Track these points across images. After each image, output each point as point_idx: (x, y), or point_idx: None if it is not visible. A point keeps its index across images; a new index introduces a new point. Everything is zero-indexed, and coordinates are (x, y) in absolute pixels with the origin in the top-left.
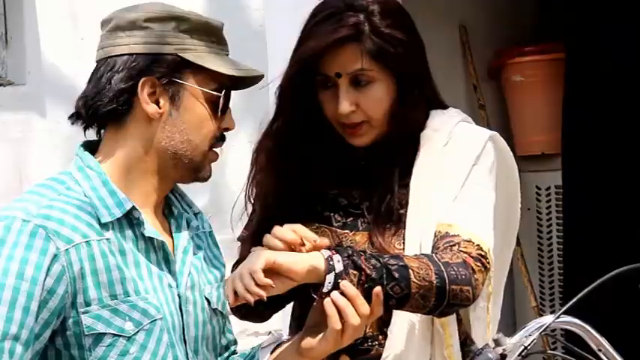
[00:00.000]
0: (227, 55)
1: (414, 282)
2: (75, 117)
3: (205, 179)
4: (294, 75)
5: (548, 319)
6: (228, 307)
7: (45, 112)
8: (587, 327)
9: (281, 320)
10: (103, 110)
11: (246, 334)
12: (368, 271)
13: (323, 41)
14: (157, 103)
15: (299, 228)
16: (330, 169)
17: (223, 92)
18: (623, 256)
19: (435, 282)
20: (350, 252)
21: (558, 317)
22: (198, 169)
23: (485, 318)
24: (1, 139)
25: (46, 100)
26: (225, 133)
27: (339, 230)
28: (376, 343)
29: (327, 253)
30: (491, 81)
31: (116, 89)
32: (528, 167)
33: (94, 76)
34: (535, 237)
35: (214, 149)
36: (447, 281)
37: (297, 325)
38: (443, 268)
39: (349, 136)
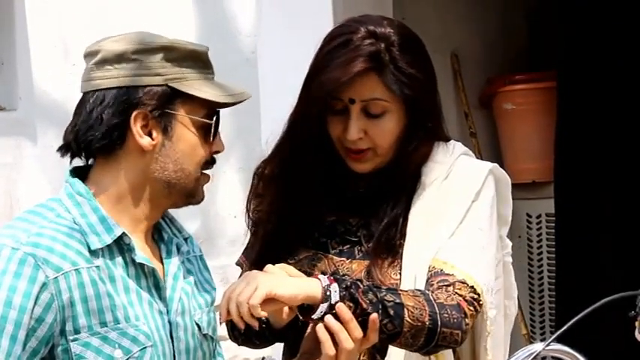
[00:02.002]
0: (213, 77)
1: (407, 321)
2: (64, 149)
3: (199, 202)
4: (312, 104)
5: (538, 346)
6: (225, 330)
7: (36, 137)
8: (578, 355)
9: (273, 345)
10: (96, 145)
11: None
12: (364, 305)
13: (346, 73)
14: (150, 134)
15: (290, 270)
16: (330, 195)
17: (214, 119)
18: (615, 284)
19: (427, 323)
20: (348, 283)
21: (548, 345)
22: (191, 195)
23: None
24: None
25: (37, 126)
26: (215, 157)
27: (335, 257)
28: None
29: (325, 281)
30: (482, 109)
31: (109, 124)
32: (519, 195)
33: (82, 109)
34: (525, 265)
35: (205, 172)
36: (439, 324)
37: (290, 350)
38: (437, 310)
39: (352, 161)
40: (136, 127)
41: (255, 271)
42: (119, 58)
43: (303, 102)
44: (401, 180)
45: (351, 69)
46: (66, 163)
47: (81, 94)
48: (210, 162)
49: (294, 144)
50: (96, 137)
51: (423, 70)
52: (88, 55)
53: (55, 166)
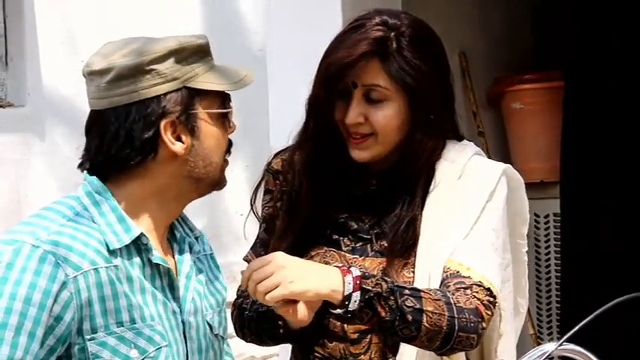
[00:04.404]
0: (213, 62)
1: (424, 326)
2: (90, 169)
3: (222, 187)
4: (321, 86)
5: (550, 346)
6: (233, 328)
7: (44, 134)
8: (590, 355)
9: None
10: (132, 163)
11: (242, 358)
12: (382, 314)
13: (350, 54)
14: (179, 139)
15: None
16: (342, 192)
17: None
18: (620, 285)
19: (444, 328)
20: (371, 294)
21: (561, 344)
22: (218, 183)
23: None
24: (0, 160)
25: (45, 122)
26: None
27: (347, 255)
28: None
29: (349, 287)
30: (490, 108)
31: (141, 139)
32: (527, 195)
33: (104, 127)
34: (533, 264)
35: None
36: (456, 329)
37: (300, 349)
38: (456, 315)
39: (353, 147)
40: (167, 136)
41: (283, 260)
42: (135, 72)
43: (314, 84)
44: (412, 177)
45: (354, 51)
46: (74, 160)
47: (91, 111)
48: (230, 145)
49: (307, 129)
50: (130, 155)
51: (431, 65)
52: (97, 74)
53: (63, 163)
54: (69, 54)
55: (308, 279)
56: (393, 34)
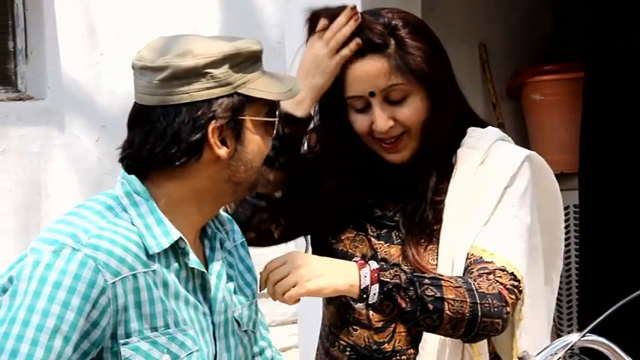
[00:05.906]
0: (263, 68)
1: (446, 314)
2: (130, 166)
3: (256, 190)
4: (329, 98)
5: (573, 337)
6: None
7: (64, 126)
8: (614, 346)
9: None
10: (176, 163)
11: None
12: (403, 305)
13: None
14: (224, 143)
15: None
16: (366, 179)
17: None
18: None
19: (467, 315)
20: (390, 286)
21: (584, 335)
22: (254, 187)
23: (509, 344)
24: (20, 153)
25: (65, 115)
26: None
27: (374, 240)
28: (404, 357)
29: (366, 281)
30: (510, 100)
31: (189, 141)
32: None
33: (151, 124)
34: None
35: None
36: (479, 314)
37: (327, 335)
38: (478, 301)
39: (388, 152)
40: (214, 140)
41: (299, 259)
42: (189, 74)
43: (324, 107)
44: (434, 163)
45: (356, 60)
46: (94, 153)
47: (135, 104)
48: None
49: (326, 149)
50: (175, 155)
51: (431, 48)
52: (150, 70)
53: (82, 155)
54: (88, 47)
55: (324, 276)
56: (386, 32)
